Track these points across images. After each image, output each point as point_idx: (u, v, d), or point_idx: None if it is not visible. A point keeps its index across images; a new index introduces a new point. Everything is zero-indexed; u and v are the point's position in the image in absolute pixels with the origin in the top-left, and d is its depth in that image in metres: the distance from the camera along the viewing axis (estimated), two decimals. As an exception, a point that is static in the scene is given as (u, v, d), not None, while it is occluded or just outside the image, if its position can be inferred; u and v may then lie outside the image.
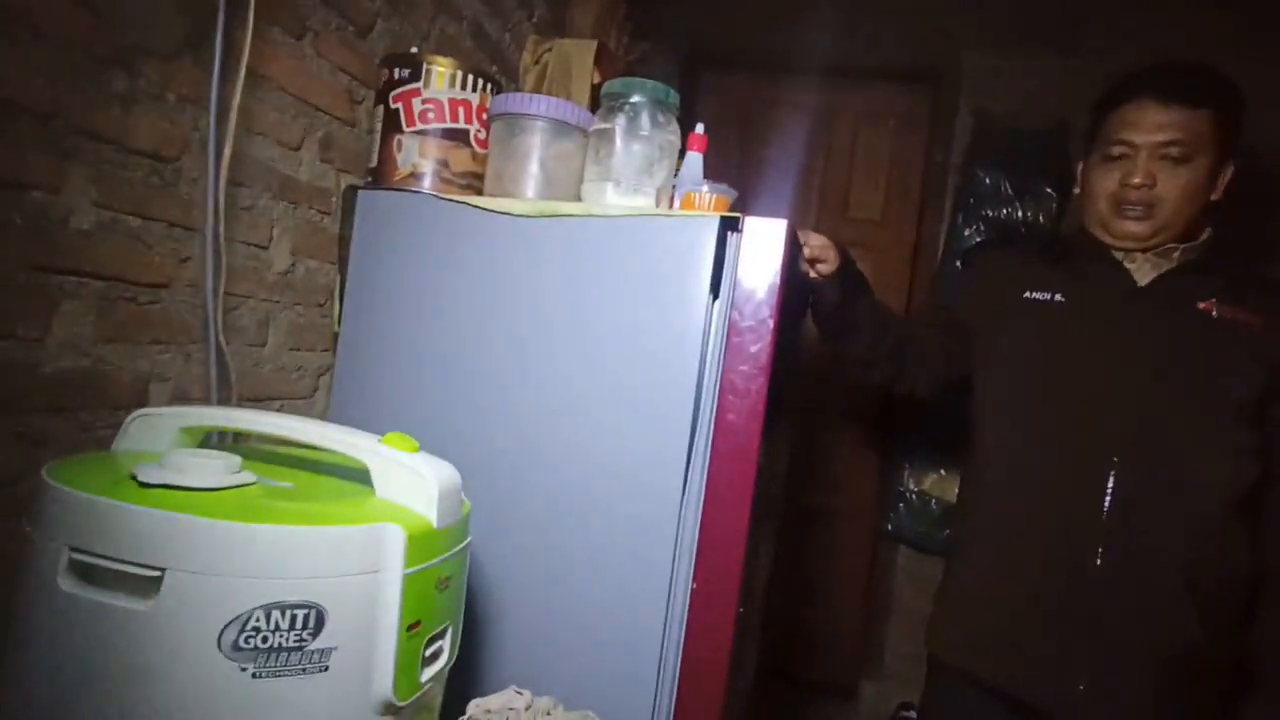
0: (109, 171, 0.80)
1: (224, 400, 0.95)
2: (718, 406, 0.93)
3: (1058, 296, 1.10)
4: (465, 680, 0.91)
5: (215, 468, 0.60)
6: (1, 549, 0.72)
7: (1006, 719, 1.07)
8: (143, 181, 0.84)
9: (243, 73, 0.88)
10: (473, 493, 0.87)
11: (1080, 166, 1.18)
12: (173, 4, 0.84)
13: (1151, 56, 1.13)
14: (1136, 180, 1.04)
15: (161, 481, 0.57)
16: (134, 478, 0.57)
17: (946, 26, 2.31)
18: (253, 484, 0.62)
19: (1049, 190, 2.24)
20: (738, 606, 0.92)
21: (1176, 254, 1.07)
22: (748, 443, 0.91)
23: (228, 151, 0.88)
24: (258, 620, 0.54)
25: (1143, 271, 1.08)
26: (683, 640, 0.92)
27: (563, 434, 0.97)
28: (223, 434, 0.88)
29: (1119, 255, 1.10)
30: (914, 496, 2.43)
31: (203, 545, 0.53)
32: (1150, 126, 1.03)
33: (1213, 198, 1.06)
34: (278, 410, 1.09)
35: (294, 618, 0.55)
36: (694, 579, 0.92)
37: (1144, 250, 1.08)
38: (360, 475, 0.70)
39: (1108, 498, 1.01)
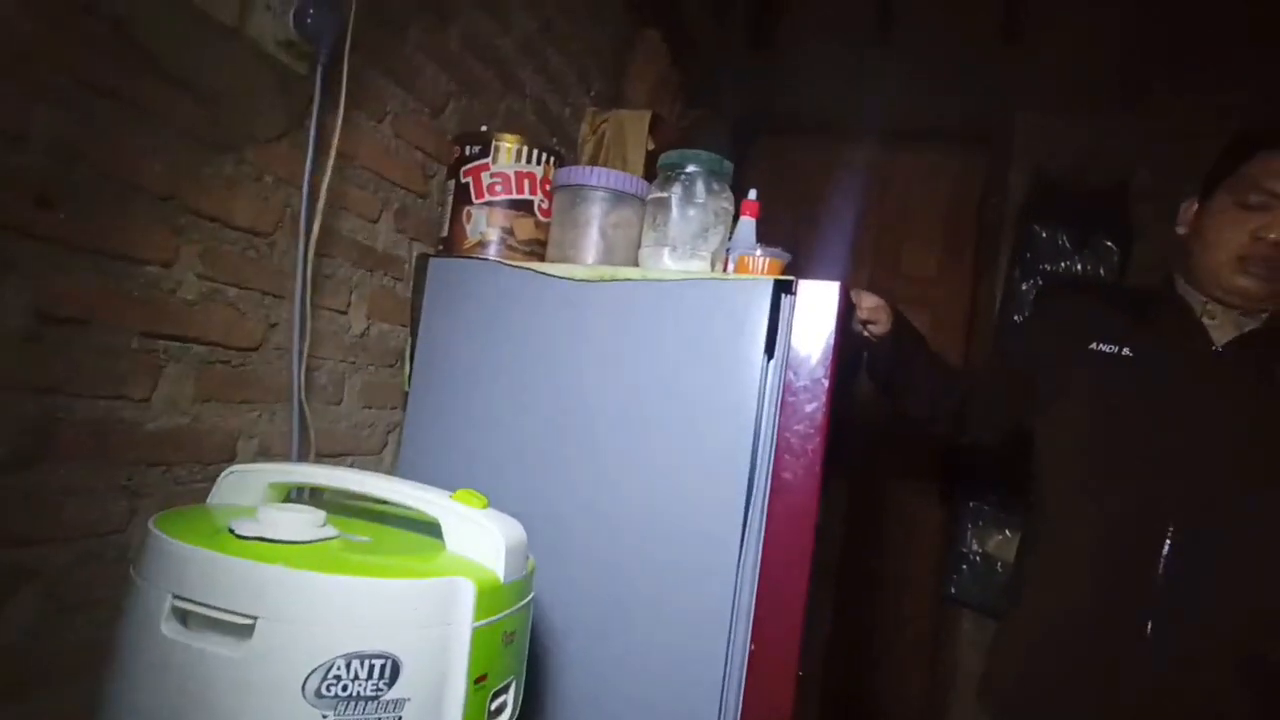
0: (213, 246, 0.88)
1: (304, 456, 1.01)
2: (774, 467, 0.94)
3: (1125, 350, 1.07)
4: (524, 737, 0.92)
5: (303, 522, 0.64)
6: (106, 593, 0.78)
7: None
8: (240, 255, 0.92)
9: (333, 155, 0.96)
10: (534, 549, 0.89)
11: (1193, 206, 1.10)
12: (275, 95, 0.93)
13: (1217, 114, 1.11)
14: (1274, 236, 0.98)
15: (256, 534, 0.61)
16: (231, 530, 0.62)
17: (999, 87, 2.33)
18: (335, 538, 0.66)
19: (1109, 244, 2.21)
20: (798, 669, 0.91)
21: (1265, 315, 1.03)
22: (806, 502, 0.92)
23: (316, 226, 0.96)
24: (339, 669, 0.57)
25: (1222, 331, 1.05)
26: (741, 703, 0.91)
27: (621, 492, 0.99)
28: (301, 489, 0.93)
29: (1199, 312, 1.06)
30: (978, 559, 2.34)
31: (292, 595, 0.57)
32: None
33: None
34: (350, 464, 1.15)
35: (372, 667, 0.58)
36: (751, 640, 0.92)
37: (1244, 310, 1.03)
38: (430, 529, 0.73)
39: (1161, 565, 0.97)
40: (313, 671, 0.56)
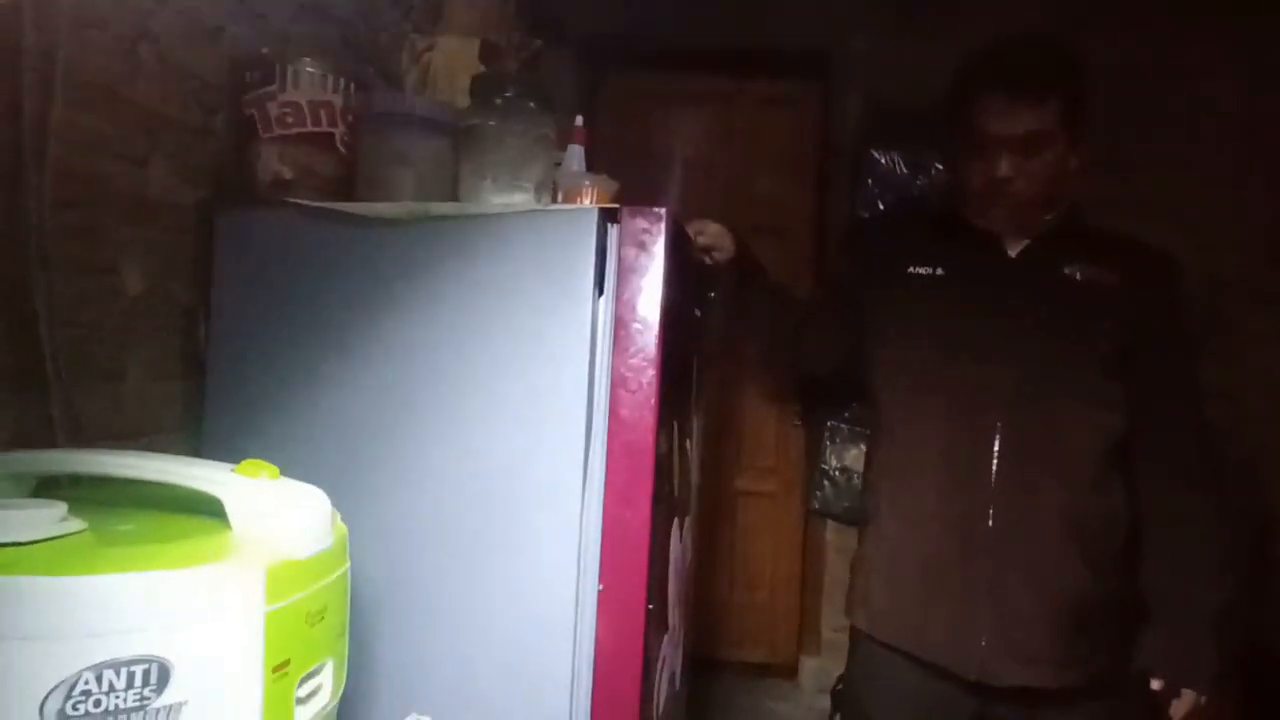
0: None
1: (72, 441, 0.87)
2: (611, 402, 0.91)
3: (939, 270, 1.13)
4: (363, 712, 0.87)
5: (33, 519, 0.54)
6: None
7: (920, 680, 1.10)
8: (-48, 210, 0.76)
9: (60, 81, 0.80)
10: (363, 513, 0.82)
11: (948, 156, 1.18)
12: (-31, 9, 0.76)
13: (1017, 38, 1.13)
14: (999, 174, 1.04)
15: (-39, 540, 0.51)
16: (-70, 539, 0.51)
17: (834, 11, 2.36)
18: (80, 531, 0.56)
19: (939, 166, 2.33)
20: (646, 603, 0.90)
21: (1041, 224, 1.11)
22: (643, 437, 0.90)
23: (48, 169, 0.80)
24: (87, 683, 0.49)
25: (1012, 242, 1.12)
26: (594, 643, 0.90)
27: (455, 443, 0.93)
28: (75, 478, 0.80)
29: (989, 229, 1.13)
30: (837, 473, 2.48)
31: (13, 606, 0.48)
32: (1002, 122, 1.03)
33: (1072, 167, 1.09)
34: (144, 445, 1.01)
35: (131, 675, 0.50)
36: (600, 579, 0.90)
37: (1016, 224, 1.11)
38: (218, 510, 0.64)
39: (995, 460, 1.05)
40: (53, 690, 0.48)
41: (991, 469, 1.05)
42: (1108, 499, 1.05)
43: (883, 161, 2.44)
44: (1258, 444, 1.98)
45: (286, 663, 0.58)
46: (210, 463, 0.66)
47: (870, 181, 2.45)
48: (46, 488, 0.69)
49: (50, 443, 0.85)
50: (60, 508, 0.56)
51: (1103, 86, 1.11)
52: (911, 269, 1.15)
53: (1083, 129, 1.08)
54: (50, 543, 0.54)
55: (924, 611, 1.08)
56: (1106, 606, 1.06)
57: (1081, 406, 1.04)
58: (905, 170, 2.44)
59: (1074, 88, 1.06)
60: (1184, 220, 1.88)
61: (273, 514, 0.61)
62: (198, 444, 1.07)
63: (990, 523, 1.04)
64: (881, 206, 2.43)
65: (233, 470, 0.64)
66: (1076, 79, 1.07)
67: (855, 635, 1.22)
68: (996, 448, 1.05)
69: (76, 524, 0.56)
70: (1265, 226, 2.05)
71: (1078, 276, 1.07)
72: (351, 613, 0.72)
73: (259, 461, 0.65)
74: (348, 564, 0.69)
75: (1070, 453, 1.04)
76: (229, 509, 0.62)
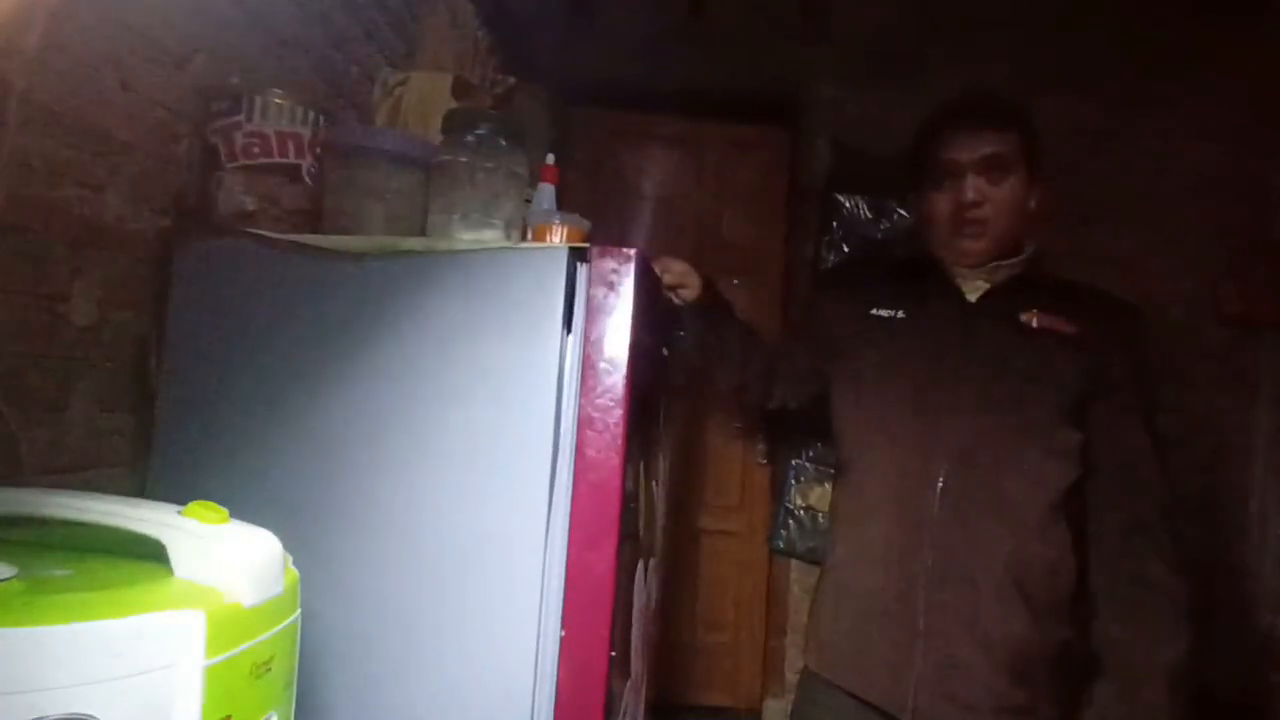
0: None
1: (10, 475, 0.83)
2: (577, 442, 0.90)
3: (900, 314, 1.15)
4: (311, 769, 0.82)
5: (-44, 563, 0.50)
6: None
7: (859, 717, 1.09)
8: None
9: (15, 103, 0.78)
10: (317, 556, 0.79)
11: (911, 199, 1.23)
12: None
13: (975, 88, 1.21)
14: (968, 198, 1.09)
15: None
16: None
17: (801, 60, 2.43)
18: (9, 579, 0.53)
19: (901, 211, 2.39)
20: (609, 650, 0.88)
21: (1002, 270, 1.14)
22: (610, 478, 0.89)
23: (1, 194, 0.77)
24: (3, 745, 0.45)
25: (973, 288, 1.15)
26: (554, 692, 0.87)
27: (416, 483, 0.91)
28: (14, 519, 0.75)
29: (952, 274, 1.15)
30: (801, 512, 2.48)
31: (-74, 662, 0.44)
32: (967, 148, 1.09)
33: (1031, 207, 1.13)
34: (88, 480, 0.97)
35: (54, 736, 0.46)
36: (562, 625, 0.88)
37: (982, 265, 1.14)
38: (163, 554, 0.61)
39: (936, 502, 1.05)
40: (-33, 753, 0.44)
41: (932, 513, 1.05)
42: (1052, 547, 1.05)
43: (847, 205, 2.50)
44: (1203, 491, 2.04)
45: (228, 718, 0.55)
46: (155, 504, 0.62)
47: (835, 224, 2.51)
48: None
49: (-16, 478, 0.81)
50: (-13, 552, 0.53)
51: (1063, 142, 1.17)
52: (874, 311, 1.18)
53: (1038, 170, 1.14)
54: (-26, 591, 0.50)
55: (863, 649, 1.09)
56: (1050, 656, 1.05)
57: (1031, 454, 1.05)
58: (869, 214, 2.50)
59: (1029, 128, 1.13)
60: (1134, 274, 1.95)
61: (219, 560, 0.58)
62: (144, 479, 1.03)
63: (929, 566, 1.05)
64: (846, 249, 2.48)
65: (179, 512, 0.61)
66: (1031, 124, 1.14)
67: (805, 674, 1.22)
68: (939, 491, 1.06)
69: (5, 570, 0.53)
70: (1211, 282, 2.14)
71: (1035, 324, 1.10)
72: (301, 661, 0.69)
73: (208, 503, 0.62)
74: (298, 611, 0.66)
75: (1015, 500, 1.05)
76: (172, 554, 0.59)
